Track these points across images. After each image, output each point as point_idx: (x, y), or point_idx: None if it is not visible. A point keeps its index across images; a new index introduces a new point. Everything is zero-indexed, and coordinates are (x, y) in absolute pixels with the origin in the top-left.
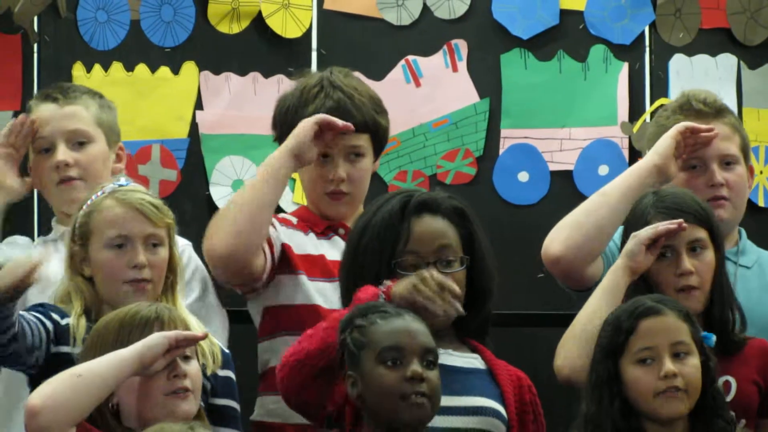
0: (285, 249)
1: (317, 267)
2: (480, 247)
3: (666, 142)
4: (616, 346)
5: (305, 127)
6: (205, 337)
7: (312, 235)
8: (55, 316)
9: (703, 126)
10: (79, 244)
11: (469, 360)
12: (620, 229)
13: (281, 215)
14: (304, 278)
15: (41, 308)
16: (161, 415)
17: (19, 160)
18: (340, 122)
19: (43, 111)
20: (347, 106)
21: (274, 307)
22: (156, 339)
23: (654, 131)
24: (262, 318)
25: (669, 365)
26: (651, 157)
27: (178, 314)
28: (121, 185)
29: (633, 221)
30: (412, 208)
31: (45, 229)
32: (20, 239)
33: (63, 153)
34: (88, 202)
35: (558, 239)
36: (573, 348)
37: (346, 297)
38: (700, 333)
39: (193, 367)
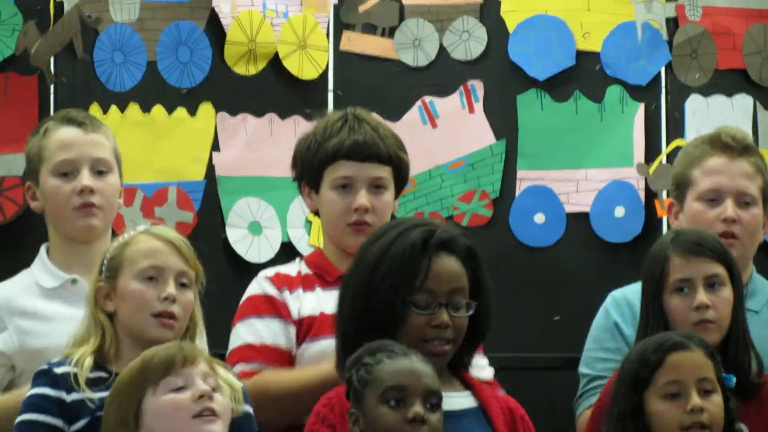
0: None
1: (316, 326)
2: (485, 291)
3: None
4: (642, 378)
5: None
6: None
7: (317, 290)
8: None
9: None
10: (106, 277)
11: (462, 400)
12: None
13: (279, 271)
14: (307, 346)
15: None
16: None
17: None
18: None
19: (66, 133)
20: (374, 138)
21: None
22: None
23: (681, 159)
24: None
25: (696, 400)
26: None
27: (201, 350)
28: (153, 226)
29: (652, 259)
30: (434, 245)
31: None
32: None
33: (88, 178)
34: (120, 238)
35: None
36: None
37: (350, 311)
38: (722, 372)
39: (218, 398)
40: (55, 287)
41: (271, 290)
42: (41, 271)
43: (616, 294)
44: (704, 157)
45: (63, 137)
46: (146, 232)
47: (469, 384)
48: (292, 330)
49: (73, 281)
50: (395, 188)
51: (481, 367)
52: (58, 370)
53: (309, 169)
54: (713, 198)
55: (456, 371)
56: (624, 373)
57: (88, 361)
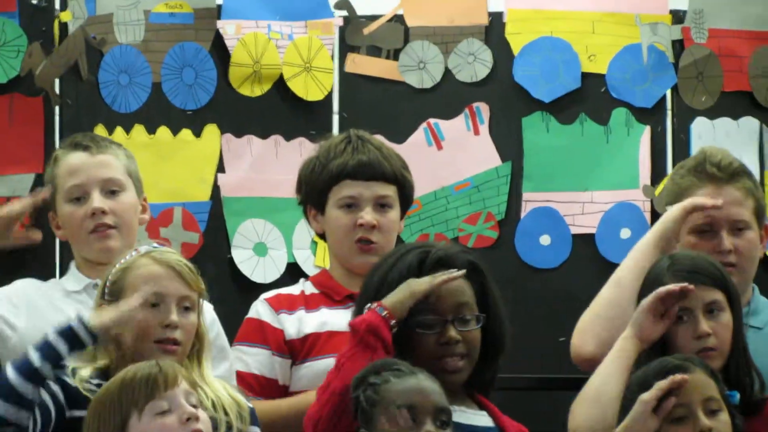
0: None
1: (321, 344)
2: (494, 303)
3: (667, 225)
4: None
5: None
6: None
7: (322, 310)
8: (67, 380)
9: (709, 202)
10: (109, 301)
11: (482, 418)
12: None
13: (280, 293)
14: (311, 364)
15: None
16: None
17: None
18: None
19: (74, 159)
20: (378, 158)
21: (294, 392)
22: None
23: (669, 188)
24: None
25: (704, 420)
26: (653, 237)
27: (179, 368)
28: (155, 247)
29: (648, 286)
30: (430, 264)
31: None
32: None
33: (98, 200)
34: (121, 260)
35: (587, 339)
36: (587, 410)
37: None
38: (725, 391)
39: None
40: (77, 290)
41: (267, 315)
42: (69, 277)
43: None
44: (692, 189)
45: (71, 163)
46: (147, 256)
47: (484, 405)
48: (278, 361)
49: (95, 286)
50: (401, 208)
51: None
52: (69, 382)
53: (314, 190)
54: (706, 230)
55: (471, 394)
56: (626, 401)
57: (86, 372)
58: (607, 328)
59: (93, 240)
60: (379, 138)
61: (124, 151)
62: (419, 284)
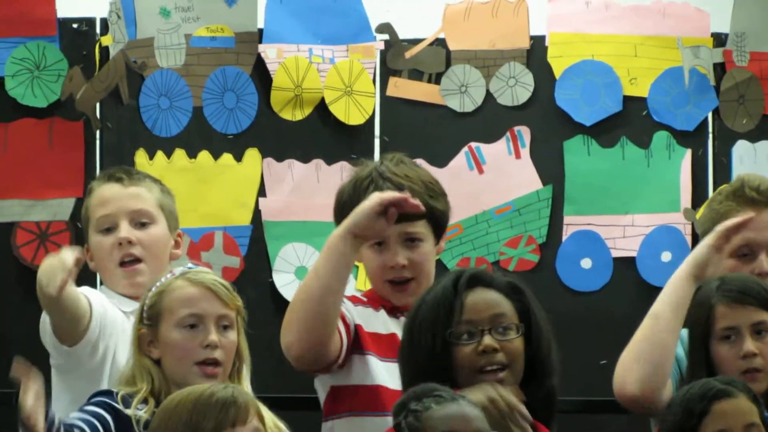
0: (357, 329)
1: (388, 346)
2: (536, 320)
3: (702, 251)
4: (688, 429)
5: (366, 204)
6: None
7: (383, 313)
8: (119, 407)
9: (740, 219)
10: (147, 325)
11: None
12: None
13: (351, 293)
14: (373, 359)
15: (105, 398)
16: None
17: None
18: (411, 201)
19: (106, 191)
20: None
21: (341, 386)
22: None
23: (707, 215)
24: (327, 396)
25: None
26: (688, 268)
27: (252, 399)
28: (190, 268)
29: (697, 309)
30: (464, 282)
31: None
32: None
33: (126, 230)
34: (157, 284)
35: (630, 379)
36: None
37: (404, 380)
38: (765, 414)
39: None
40: (130, 311)
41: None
42: (113, 297)
43: None
44: (730, 213)
45: (103, 194)
46: (182, 277)
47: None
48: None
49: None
50: (434, 235)
51: None
52: (121, 409)
53: None
54: (746, 253)
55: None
56: (668, 424)
57: (150, 406)
58: (647, 369)
59: (121, 274)
60: (414, 162)
61: (160, 186)
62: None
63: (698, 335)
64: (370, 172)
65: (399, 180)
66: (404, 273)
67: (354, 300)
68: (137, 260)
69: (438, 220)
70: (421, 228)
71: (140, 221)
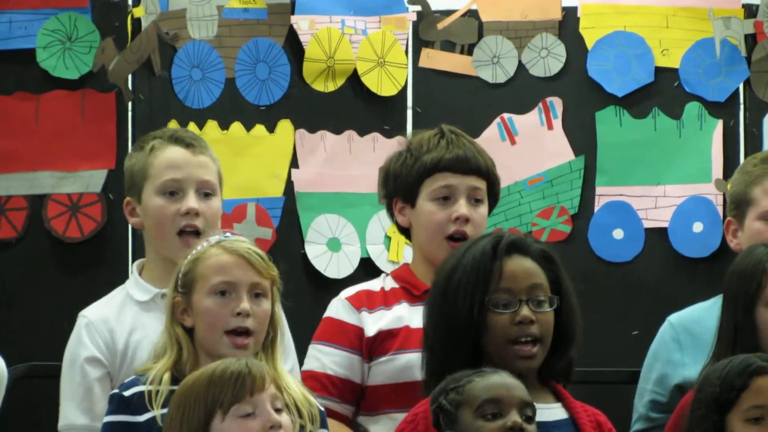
0: (374, 337)
1: (401, 340)
2: (566, 291)
3: None
4: (725, 402)
5: None
6: None
7: (404, 304)
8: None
9: None
10: (182, 293)
11: (554, 411)
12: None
13: (361, 289)
14: (391, 358)
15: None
16: None
17: None
18: None
19: (175, 153)
20: (473, 152)
21: (373, 386)
22: None
23: (738, 178)
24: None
25: None
26: None
27: (269, 369)
28: (226, 237)
29: (745, 274)
30: (504, 247)
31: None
32: None
33: (194, 201)
34: (192, 252)
35: None
36: None
37: (433, 340)
38: None
39: (285, 419)
40: (146, 300)
41: (346, 314)
42: (134, 286)
43: (674, 321)
44: (765, 176)
45: (172, 156)
46: (217, 245)
47: (560, 395)
48: (356, 359)
49: (163, 296)
50: (489, 205)
51: None
52: (128, 393)
53: (404, 183)
54: None
55: (547, 382)
56: (704, 395)
57: (166, 377)
58: None
59: (177, 243)
60: None
61: (215, 156)
62: None
63: (744, 302)
64: (440, 130)
65: (469, 137)
66: (466, 228)
67: (369, 303)
68: (197, 232)
69: (496, 188)
70: (485, 189)
71: (204, 191)
